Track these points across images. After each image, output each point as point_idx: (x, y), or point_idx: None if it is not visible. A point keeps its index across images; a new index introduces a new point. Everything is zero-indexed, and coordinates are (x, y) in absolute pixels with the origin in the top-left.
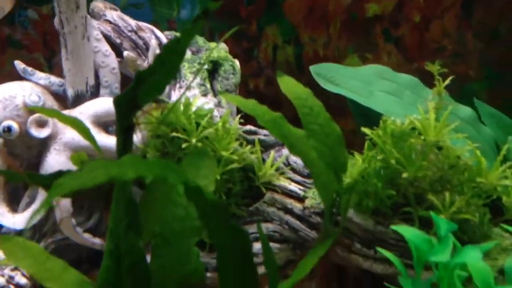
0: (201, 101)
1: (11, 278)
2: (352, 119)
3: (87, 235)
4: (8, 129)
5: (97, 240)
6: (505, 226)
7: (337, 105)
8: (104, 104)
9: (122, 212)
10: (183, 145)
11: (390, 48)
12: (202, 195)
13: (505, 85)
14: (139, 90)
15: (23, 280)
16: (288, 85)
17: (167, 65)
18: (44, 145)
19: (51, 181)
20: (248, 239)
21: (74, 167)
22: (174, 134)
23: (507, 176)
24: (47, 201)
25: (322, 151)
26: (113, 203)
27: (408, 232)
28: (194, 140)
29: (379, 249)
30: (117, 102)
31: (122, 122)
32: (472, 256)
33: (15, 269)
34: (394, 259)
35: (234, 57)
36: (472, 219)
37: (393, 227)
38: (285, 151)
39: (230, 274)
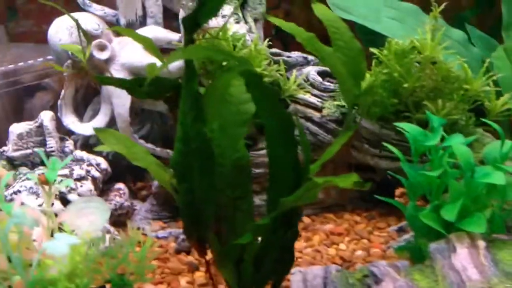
0: (235, 28)
1: (88, 172)
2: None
3: (141, 141)
4: None
5: (149, 145)
6: (486, 120)
7: None
8: (151, 31)
9: (188, 107)
10: (224, 63)
11: None
12: (260, 81)
13: (493, 12)
14: (200, 12)
15: (97, 174)
16: (321, 10)
17: None
18: (105, 65)
19: (126, 83)
20: (291, 119)
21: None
22: None
23: (489, 85)
24: (181, 54)
25: (346, 62)
26: (182, 100)
27: (408, 127)
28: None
29: (386, 144)
30: (184, 20)
31: (188, 34)
32: (456, 141)
33: (90, 164)
34: (397, 151)
35: None
36: (459, 120)
37: (396, 124)
38: (305, 70)
39: (276, 148)
